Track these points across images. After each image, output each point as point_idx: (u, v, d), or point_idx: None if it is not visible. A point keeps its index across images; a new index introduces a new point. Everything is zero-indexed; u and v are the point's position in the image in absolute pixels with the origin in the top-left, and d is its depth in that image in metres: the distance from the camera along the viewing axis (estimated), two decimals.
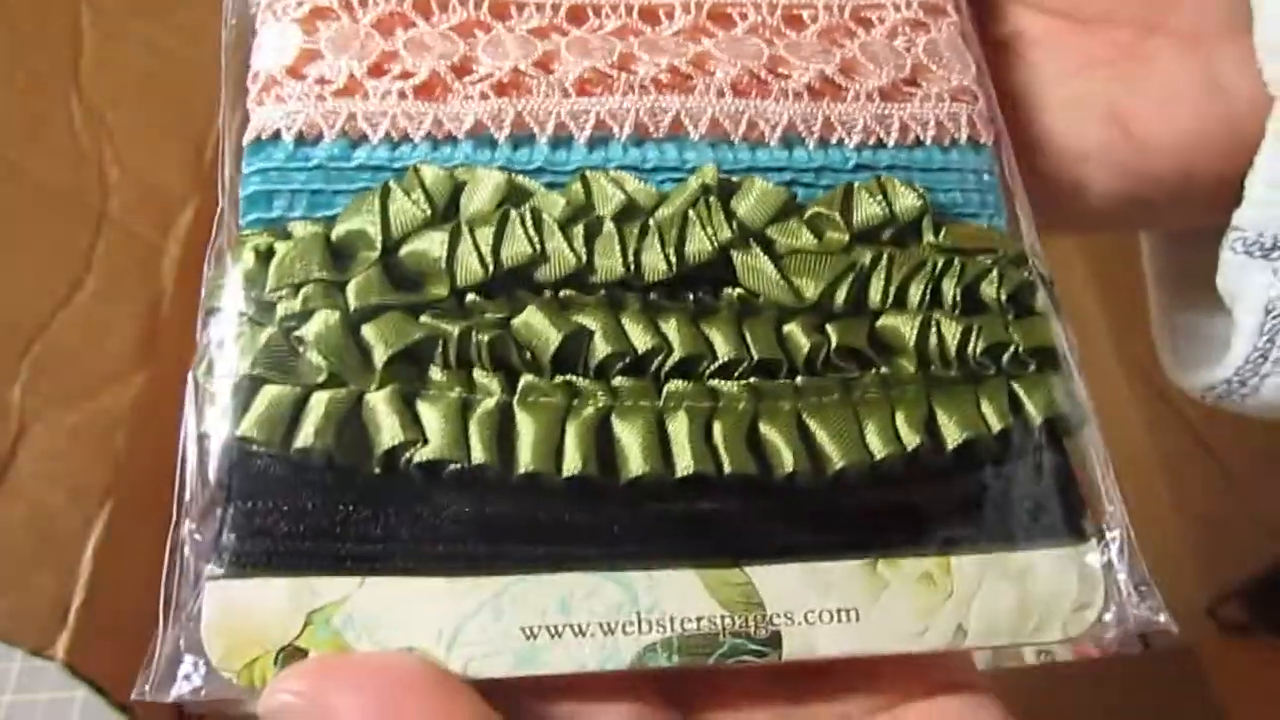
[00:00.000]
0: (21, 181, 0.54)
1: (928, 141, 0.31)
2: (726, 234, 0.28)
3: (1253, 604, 0.56)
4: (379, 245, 0.27)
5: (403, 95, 0.29)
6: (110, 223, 0.54)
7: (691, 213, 0.28)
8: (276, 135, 0.29)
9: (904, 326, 0.28)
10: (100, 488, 0.48)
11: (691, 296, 0.28)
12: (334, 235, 0.28)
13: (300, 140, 0.29)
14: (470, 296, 0.27)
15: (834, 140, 0.31)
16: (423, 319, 0.27)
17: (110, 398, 0.51)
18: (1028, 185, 0.32)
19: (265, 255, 0.27)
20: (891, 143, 0.31)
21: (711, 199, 0.29)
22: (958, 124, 0.32)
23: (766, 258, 0.28)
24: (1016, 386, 0.28)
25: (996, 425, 0.28)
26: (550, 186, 0.29)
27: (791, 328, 0.28)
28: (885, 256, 0.29)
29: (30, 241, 0.54)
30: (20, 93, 0.55)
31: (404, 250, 0.28)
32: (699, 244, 0.28)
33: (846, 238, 0.29)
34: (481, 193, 0.28)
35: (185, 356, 0.29)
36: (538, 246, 0.27)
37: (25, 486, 0.48)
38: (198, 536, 0.25)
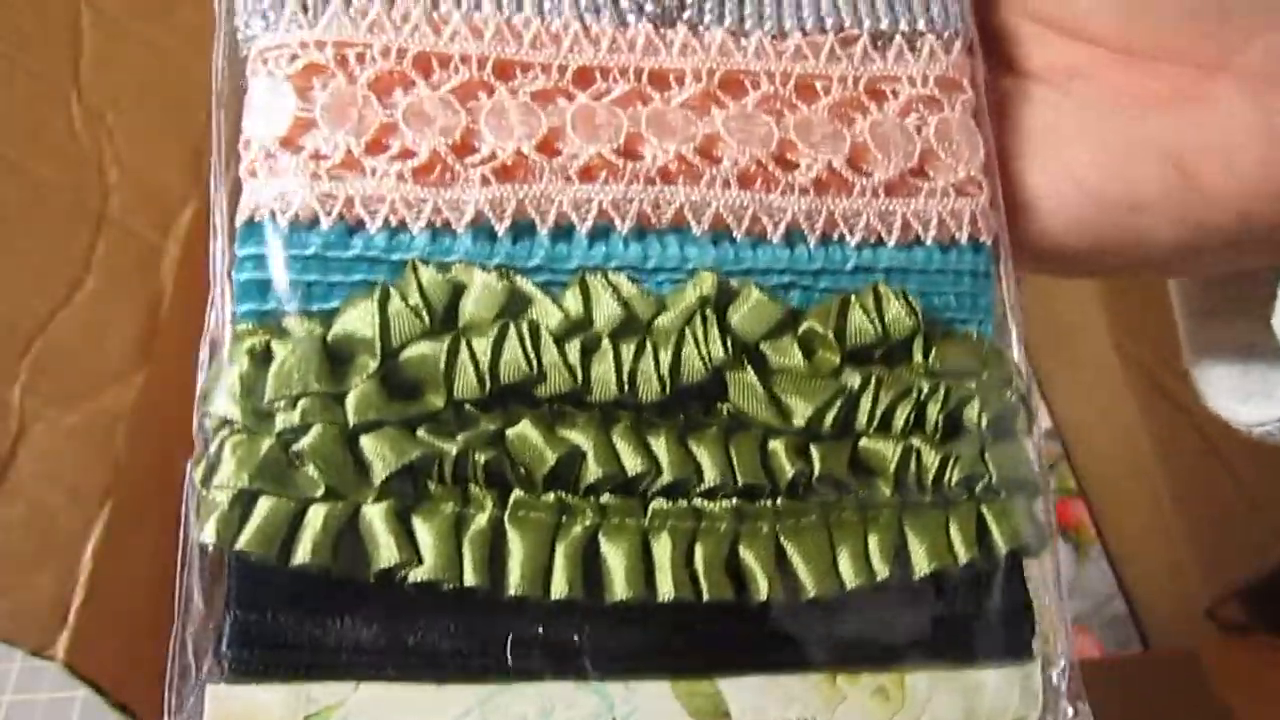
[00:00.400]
0: (21, 181, 0.52)
1: (928, 241, 0.31)
2: (720, 354, 0.28)
3: (1253, 604, 0.57)
4: (377, 353, 0.27)
5: (402, 177, 0.28)
6: (110, 223, 0.53)
7: (688, 330, 0.28)
8: (270, 215, 0.28)
9: (886, 451, 0.29)
10: (100, 488, 0.48)
11: (682, 414, 0.29)
12: (331, 336, 0.27)
13: (295, 224, 0.28)
14: (467, 407, 0.28)
15: (835, 237, 0.31)
16: (420, 433, 0.27)
17: (110, 398, 0.51)
18: (1067, 237, 0.32)
19: (261, 358, 0.27)
20: (893, 242, 0.31)
21: (708, 313, 0.29)
22: (960, 221, 0.31)
23: (757, 378, 0.29)
24: (986, 513, 0.30)
25: (964, 555, 0.29)
26: (549, 284, 0.29)
27: (777, 449, 0.29)
28: (874, 381, 0.29)
29: (30, 241, 0.53)
30: (20, 93, 0.53)
31: (402, 357, 0.27)
32: (693, 365, 0.28)
33: (837, 360, 0.29)
34: (480, 301, 0.28)
35: (185, 356, 0.29)
36: (534, 364, 0.27)
37: (25, 486, 0.48)
38: (198, 641, 0.26)
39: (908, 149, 0.31)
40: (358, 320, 0.27)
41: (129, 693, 0.43)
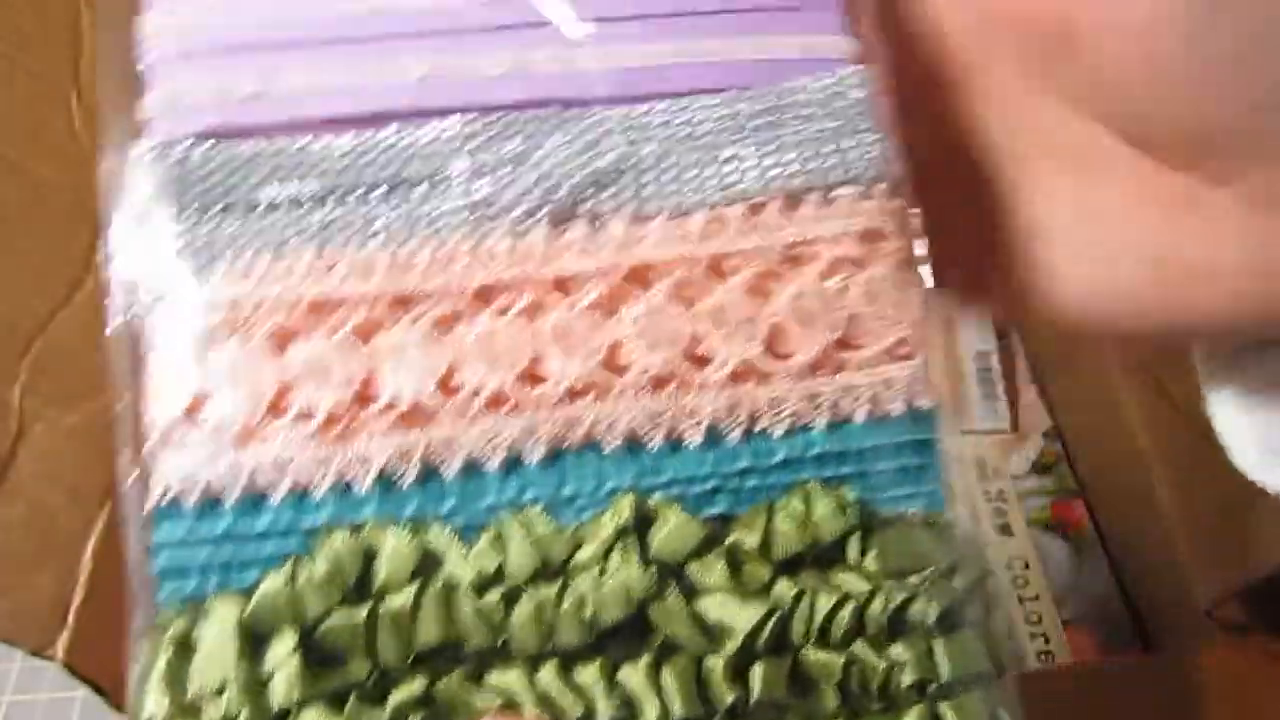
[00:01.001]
0: (21, 181, 0.52)
1: (859, 419, 0.29)
2: (642, 587, 0.27)
3: (1253, 604, 0.55)
4: (296, 632, 0.27)
5: (303, 440, 0.28)
6: None
7: (608, 565, 0.27)
8: (177, 497, 0.28)
9: (827, 664, 0.28)
10: (100, 488, 0.48)
11: (612, 646, 0.28)
12: (249, 615, 0.27)
13: (204, 503, 0.28)
14: (392, 672, 0.27)
15: (759, 430, 0.29)
16: (350, 705, 0.27)
17: (110, 398, 0.51)
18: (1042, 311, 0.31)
19: (183, 647, 0.27)
20: (821, 426, 0.29)
21: (628, 543, 0.27)
22: (894, 391, 0.30)
23: (685, 602, 0.27)
24: (944, 709, 0.28)
25: None
26: (466, 527, 0.28)
27: (712, 674, 0.27)
28: (808, 595, 0.28)
29: (30, 241, 0.53)
30: (20, 93, 0.53)
31: (321, 629, 0.27)
32: (616, 601, 0.27)
33: (767, 573, 0.28)
34: (392, 564, 0.27)
35: None
36: (453, 629, 0.27)
37: (25, 486, 0.48)
38: None
39: (831, 320, 0.29)
40: (273, 597, 0.27)
41: (129, 693, 0.44)
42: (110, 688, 0.46)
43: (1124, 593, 0.64)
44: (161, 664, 0.27)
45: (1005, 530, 0.67)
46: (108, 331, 0.29)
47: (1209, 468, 0.57)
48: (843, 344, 0.30)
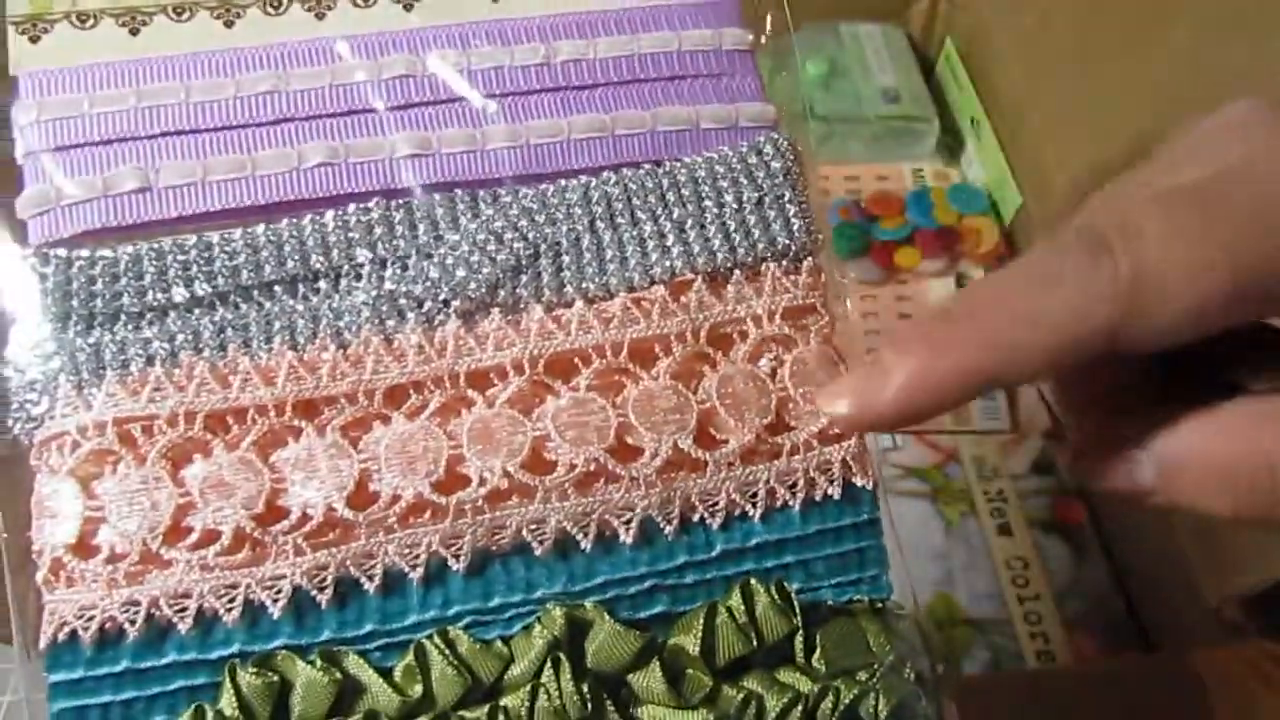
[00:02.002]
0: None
1: (796, 505, 0.28)
2: (578, 708, 0.25)
3: (1253, 605, 0.55)
4: None
5: (206, 565, 0.25)
6: None
7: (540, 693, 0.25)
8: (74, 635, 0.25)
9: None
10: None
11: None
12: None
13: (101, 640, 0.25)
14: None
15: (695, 520, 0.27)
16: None
17: None
18: None
19: None
20: (758, 515, 0.27)
21: (560, 660, 0.25)
22: (830, 474, 0.28)
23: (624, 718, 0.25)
24: None
25: None
26: (387, 649, 0.26)
27: None
28: (754, 701, 0.26)
29: None
30: None
31: None
32: None
33: (710, 681, 0.26)
34: (307, 701, 0.25)
35: None
36: None
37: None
38: None
39: (761, 404, 0.28)
40: None
41: None
42: None
43: (1124, 593, 0.63)
44: None
45: (1005, 530, 0.65)
46: None
47: None
48: (775, 428, 0.28)
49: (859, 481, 0.28)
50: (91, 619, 0.25)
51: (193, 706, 0.24)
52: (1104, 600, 0.65)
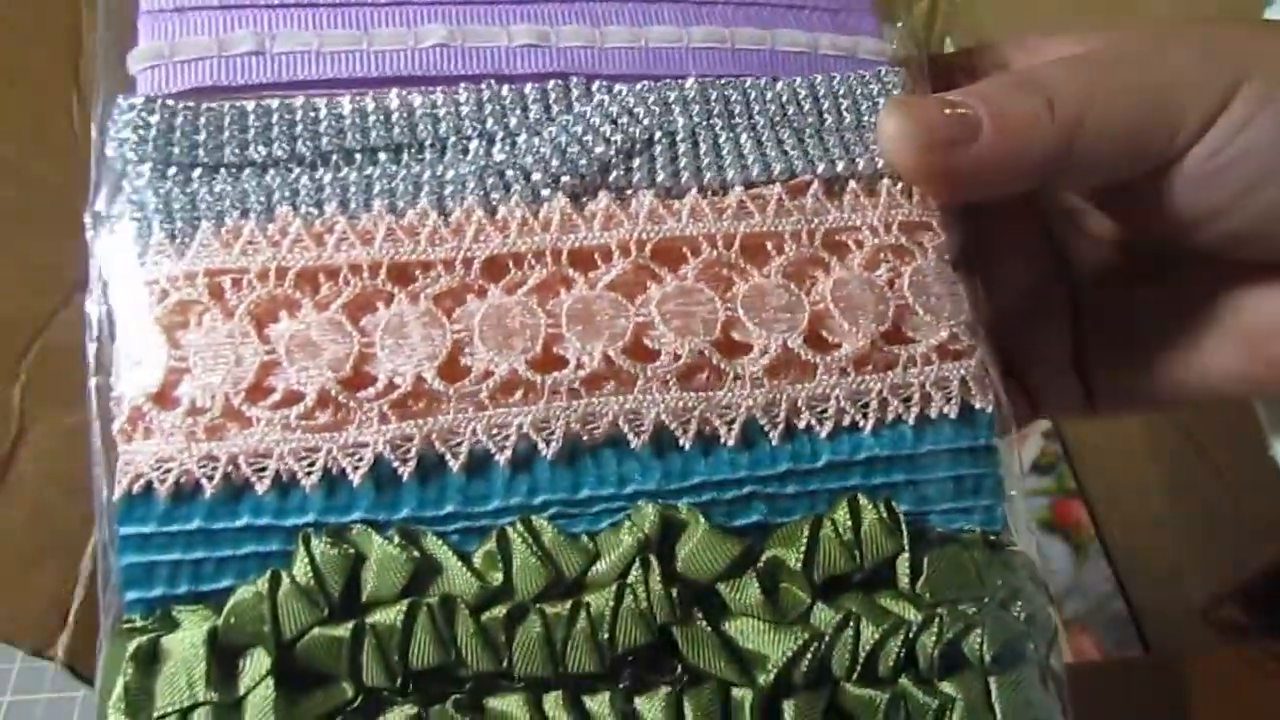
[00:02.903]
0: (21, 181, 0.49)
1: (910, 420, 0.25)
2: (666, 612, 0.23)
3: (1249, 606, 0.53)
4: (271, 652, 0.22)
5: (288, 425, 0.24)
6: None
7: (626, 594, 0.23)
8: (149, 488, 0.23)
9: (872, 701, 0.23)
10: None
11: (628, 671, 0.23)
12: (221, 627, 0.23)
13: (176, 495, 0.23)
14: (382, 693, 0.23)
15: (802, 428, 0.25)
16: None
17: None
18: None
19: (148, 659, 0.23)
20: (870, 427, 0.25)
21: (650, 563, 0.23)
22: (949, 391, 0.25)
23: (713, 628, 0.23)
24: None
25: None
26: (466, 532, 0.24)
27: (742, 708, 0.23)
28: (851, 623, 0.23)
29: (30, 241, 0.49)
30: (20, 93, 0.50)
31: (300, 645, 0.23)
32: (633, 627, 0.23)
33: (808, 597, 0.23)
34: (381, 576, 0.23)
35: None
36: (450, 651, 0.22)
37: (25, 486, 0.46)
38: None
39: (879, 310, 0.25)
40: (248, 608, 0.23)
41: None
42: None
43: (1124, 593, 0.62)
44: (120, 687, 0.22)
45: None
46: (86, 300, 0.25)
47: (1205, 470, 0.55)
48: (891, 337, 0.26)
49: (977, 404, 0.26)
50: (168, 472, 0.23)
51: (268, 573, 0.23)
52: (1104, 600, 0.64)
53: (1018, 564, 0.25)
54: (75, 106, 0.50)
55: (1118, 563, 0.62)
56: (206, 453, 0.23)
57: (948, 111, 0.26)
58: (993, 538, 0.25)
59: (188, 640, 0.23)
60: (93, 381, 0.25)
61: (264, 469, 0.23)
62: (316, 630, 0.22)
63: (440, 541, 0.23)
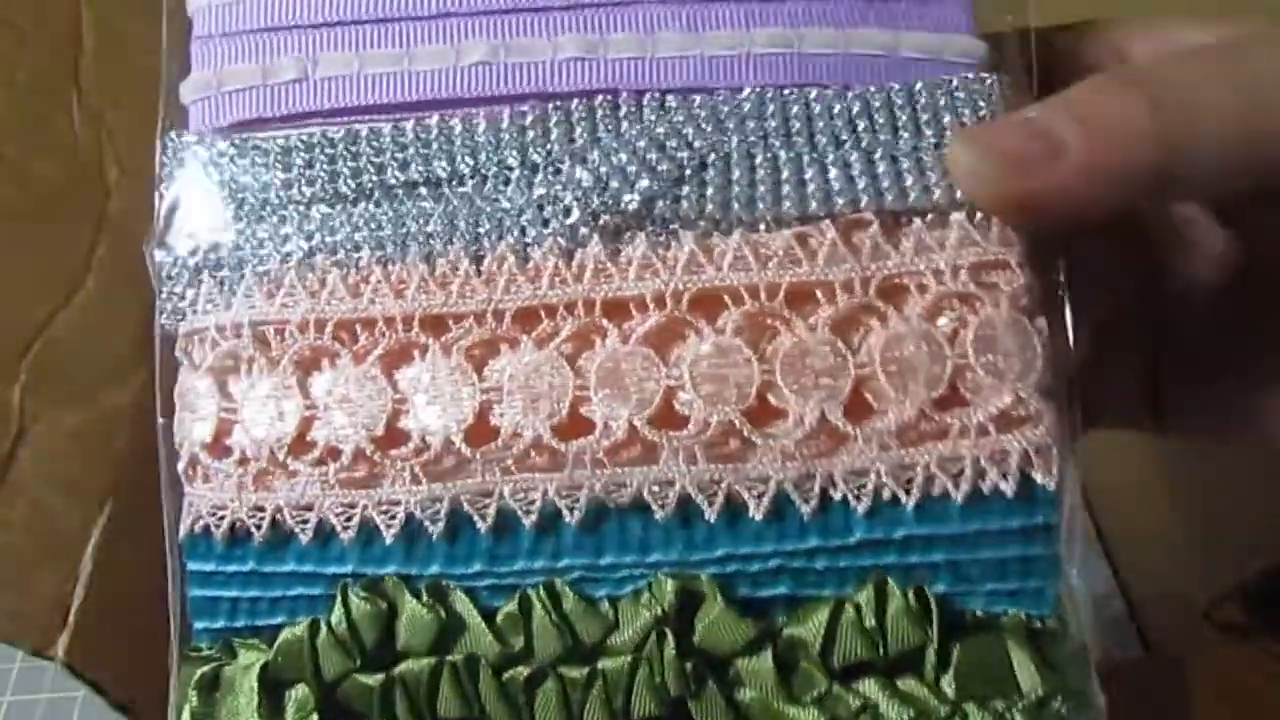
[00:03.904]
0: (21, 181, 0.48)
1: (959, 497, 0.23)
2: (679, 687, 0.22)
3: (1251, 606, 0.49)
4: (315, 688, 0.24)
5: (327, 482, 0.24)
6: (110, 223, 0.48)
7: (641, 665, 0.22)
8: (208, 530, 0.25)
9: None
10: (100, 488, 0.44)
11: None
12: (271, 665, 0.24)
13: (231, 539, 0.24)
14: None
15: (837, 499, 0.23)
16: None
17: (110, 398, 0.46)
18: None
19: (210, 687, 0.24)
20: (911, 504, 0.23)
21: (666, 637, 0.23)
22: (1006, 465, 0.23)
23: (727, 704, 0.22)
24: None
25: None
26: (493, 589, 0.24)
27: None
28: (869, 711, 0.22)
29: (30, 241, 0.48)
30: (20, 93, 0.49)
31: (340, 689, 0.24)
32: (647, 703, 0.22)
33: (825, 682, 0.22)
34: (411, 632, 0.23)
35: None
36: (474, 707, 0.23)
37: (25, 486, 0.45)
38: None
39: (933, 372, 0.23)
40: (293, 651, 0.24)
41: (129, 693, 0.41)
42: (110, 688, 0.42)
43: (1124, 593, 0.58)
44: (189, 711, 0.24)
45: None
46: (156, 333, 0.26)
47: (1208, 469, 0.50)
48: (946, 403, 0.23)
49: (1039, 478, 0.23)
50: (223, 519, 0.24)
51: (309, 620, 0.24)
52: (1104, 600, 0.59)
53: (1063, 654, 0.23)
54: (75, 106, 0.49)
55: (1118, 563, 0.59)
56: (254, 503, 0.24)
57: (1024, 132, 0.23)
58: (1039, 625, 0.23)
59: (243, 673, 0.24)
60: (160, 422, 0.26)
61: (306, 520, 0.24)
62: (354, 676, 0.23)
63: (467, 600, 0.24)
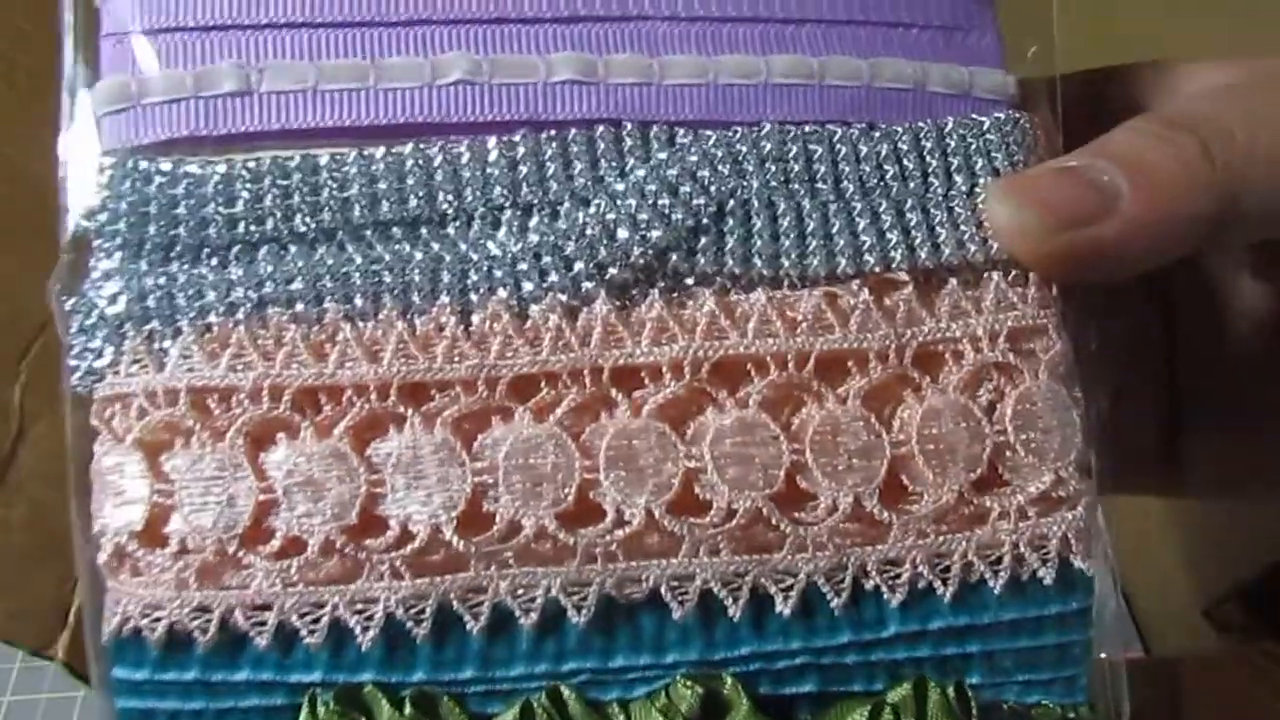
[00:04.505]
0: (21, 181, 0.46)
1: (997, 587, 0.21)
2: None
3: (1252, 605, 0.50)
4: None
5: (289, 581, 0.20)
6: None
7: None
8: (137, 633, 0.21)
9: None
10: None
11: None
12: None
13: (170, 643, 0.21)
14: None
15: (869, 589, 0.21)
16: None
17: None
18: None
19: None
20: (948, 595, 0.21)
21: None
22: (1045, 553, 0.21)
23: None
24: None
25: None
26: (488, 696, 0.21)
27: None
28: None
29: (30, 241, 0.47)
30: (20, 93, 0.48)
31: None
32: None
33: None
34: None
35: None
36: None
37: (25, 486, 0.45)
38: None
39: (971, 452, 0.21)
40: None
41: None
42: None
43: (1124, 593, 0.60)
44: None
45: None
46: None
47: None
48: (983, 484, 0.21)
49: (1078, 563, 0.22)
50: (159, 620, 0.20)
51: None
52: (1104, 600, 0.62)
53: None
54: None
55: (1118, 563, 0.60)
56: (199, 603, 0.20)
57: (1072, 182, 0.21)
58: (1071, 714, 0.22)
59: None
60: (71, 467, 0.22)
61: (263, 623, 0.20)
62: None
63: (458, 709, 0.21)
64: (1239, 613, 0.50)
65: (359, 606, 0.20)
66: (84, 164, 0.22)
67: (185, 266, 0.21)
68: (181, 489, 0.20)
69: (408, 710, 0.20)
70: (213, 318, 0.21)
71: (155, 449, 0.21)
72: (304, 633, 0.20)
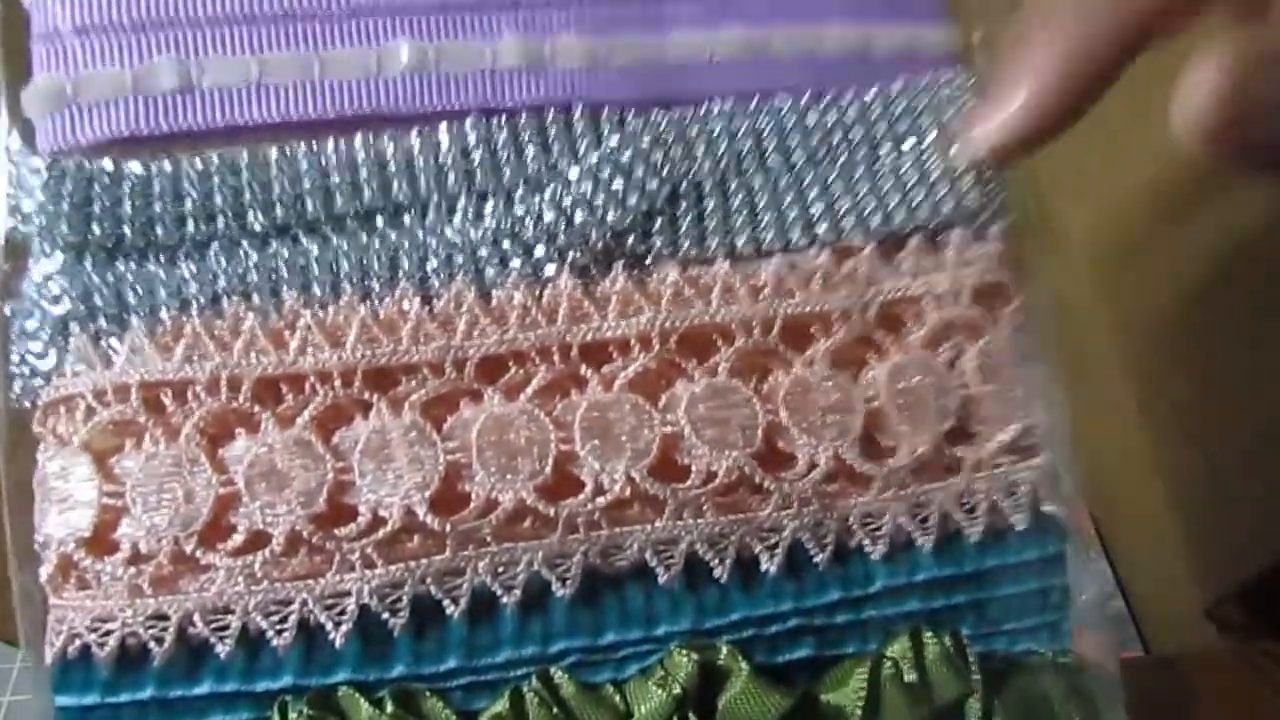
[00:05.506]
0: None
1: (974, 536, 0.21)
2: None
3: (1252, 605, 0.51)
4: None
5: (253, 577, 0.19)
6: None
7: None
8: (86, 653, 0.19)
9: None
10: None
11: None
12: None
13: (122, 660, 0.19)
14: None
15: (853, 546, 0.21)
16: None
17: None
18: None
19: None
20: (929, 545, 0.21)
21: (688, 712, 0.19)
22: (1017, 499, 0.21)
23: None
24: None
25: None
26: (472, 688, 0.20)
27: None
28: None
29: None
30: None
31: None
32: None
33: None
34: None
35: None
36: None
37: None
38: None
39: (942, 404, 0.21)
40: None
41: None
42: None
43: (1124, 593, 0.60)
44: None
45: None
46: None
47: (1208, 469, 0.53)
48: (955, 436, 0.21)
49: (1048, 508, 0.22)
50: (109, 634, 0.19)
51: None
52: (1104, 600, 0.62)
53: (1092, 688, 0.22)
54: None
55: (1118, 563, 0.61)
56: (154, 610, 0.19)
57: None
58: (1063, 660, 0.22)
59: None
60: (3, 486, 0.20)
61: (225, 627, 0.19)
62: None
63: (442, 704, 0.19)
64: (1239, 613, 0.51)
65: (330, 601, 0.19)
66: (17, 167, 0.21)
67: (133, 265, 0.20)
68: (134, 489, 0.19)
69: (388, 709, 0.19)
70: (164, 314, 0.20)
71: (104, 452, 0.19)
72: (270, 634, 0.19)
